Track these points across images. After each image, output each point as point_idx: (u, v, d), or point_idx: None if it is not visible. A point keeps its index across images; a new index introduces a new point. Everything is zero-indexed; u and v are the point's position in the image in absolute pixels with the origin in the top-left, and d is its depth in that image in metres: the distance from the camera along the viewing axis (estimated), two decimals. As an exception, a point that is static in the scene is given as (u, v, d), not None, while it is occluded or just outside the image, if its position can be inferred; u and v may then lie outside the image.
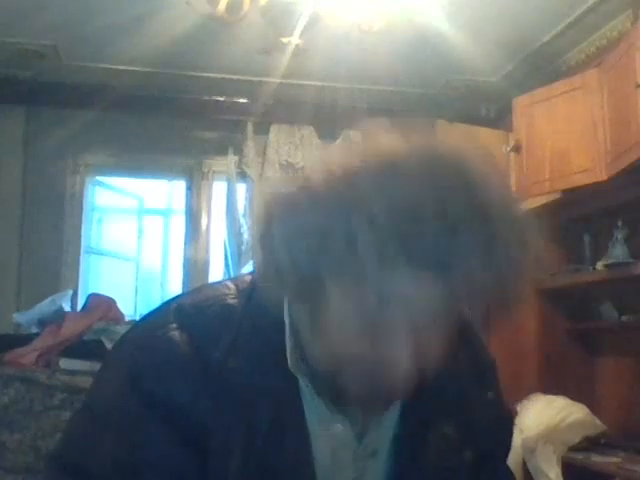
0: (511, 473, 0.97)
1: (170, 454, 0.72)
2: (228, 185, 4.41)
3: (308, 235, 0.67)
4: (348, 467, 0.80)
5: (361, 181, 0.66)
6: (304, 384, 0.77)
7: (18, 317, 2.49)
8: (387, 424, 0.81)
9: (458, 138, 0.73)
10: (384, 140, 0.70)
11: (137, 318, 2.86)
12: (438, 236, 0.62)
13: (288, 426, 0.75)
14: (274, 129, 4.44)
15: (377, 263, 0.64)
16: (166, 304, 0.82)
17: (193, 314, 0.78)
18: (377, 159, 0.68)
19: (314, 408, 0.78)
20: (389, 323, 0.67)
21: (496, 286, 0.67)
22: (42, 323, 2.26)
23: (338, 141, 4.33)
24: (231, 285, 0.82)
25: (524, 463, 3.04)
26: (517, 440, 3.02)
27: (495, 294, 0.69)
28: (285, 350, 0.76)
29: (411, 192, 0.64)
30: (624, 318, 3.24)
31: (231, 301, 0.79)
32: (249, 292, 0.80)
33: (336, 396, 0.76)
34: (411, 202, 0.63)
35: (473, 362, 0.87)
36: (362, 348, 0.69)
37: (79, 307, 2.95)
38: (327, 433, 0.78)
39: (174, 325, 0.76)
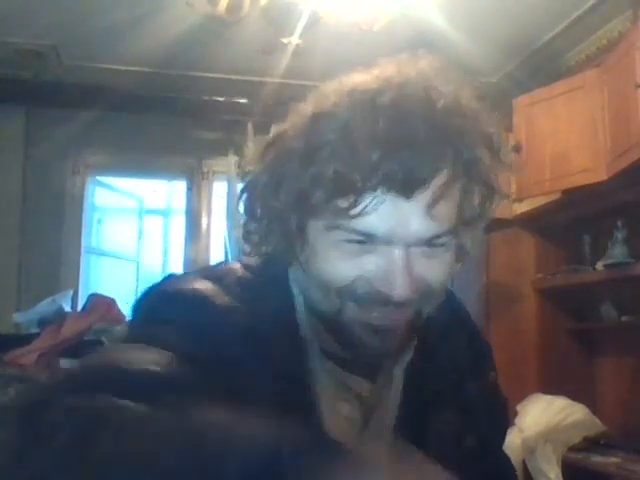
0: (508, 459, 0.97)
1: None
2: (228, 185, 4.41)
3: (282, 178, 0.72)
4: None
5: (323, 118, 0.70)
6: (316, 351, 0.77)
7: (18, 317, 2.49)
8: (392, 408, 0.81)
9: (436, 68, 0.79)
10: (357, 79, 0.74)
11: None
12: (402, 156, 0.65)
13: (298, 395, 0.73)
14: (274, 129, 4.44)
15: (342, 192, 0.67)
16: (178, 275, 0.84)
17: (213, 274, 0.79)
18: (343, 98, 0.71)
19: (324, 384, 0.78)
20: (374, 247, 0.69)
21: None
22: (42, 323, 2.27)
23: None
24: (234, 265, 0.83)
25: (524, 463, 3.04)
26: (517, 440, 3.02)
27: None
28: (295, 317, 0.77)
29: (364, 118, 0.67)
30: (624, 318, 3.24)
31: (240, 273, 0.80)
32: (256, 267, 0.81)
33: (348, 350, 0.75)
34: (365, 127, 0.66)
35: (471, 345, 0.87)
36: (356, 273, 0.70)
37: (79, 307, 2.95)
38: (333, 411, 0.78)
39: (201, 277, 0.78)
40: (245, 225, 0.79)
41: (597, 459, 2.99)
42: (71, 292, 2.77)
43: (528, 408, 3.19)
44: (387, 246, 0.69)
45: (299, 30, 2.84)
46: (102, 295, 2.54)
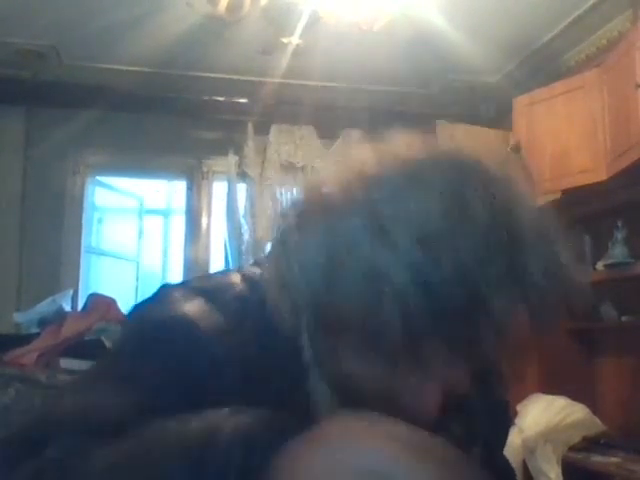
0: (507, 461, 0.97)
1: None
2: (228, 185, 4.41)
3: (321, 253, 0.59)
4: None
5: (380, 193, 0.59)
6: (318, 379, 0.69)
7: (18, 317, 2.49)
8: None
9: (468, 144, 0.66)
10: (401, 144, 0.63)
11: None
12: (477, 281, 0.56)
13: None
14: (274, 129, 4.44)
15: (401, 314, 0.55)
16: (170, 288, 0.74)
17: (211, 286, 0.72)
18: (397, 167, 0.60)
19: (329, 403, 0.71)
20: (414, 380, 0.62)
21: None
22: (42, 323, 2.26)
23: (338, 141, 4.34)
24: (237, 276, 0.74)
25: (524, 463, 3.04)
26: (517, 440, 3.02)
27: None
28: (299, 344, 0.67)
29: (438, 210, 0.56)
30: (624, 318, 3.24)
31: (239, 288, 0.71)
32: (257, 282, 0.71)
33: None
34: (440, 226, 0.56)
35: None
36: (387, 393, 0.63)
37: (79, 307, 2.95)
38: None
39: (196, 294, 0.69)
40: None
41: (597, 459, 2.99)
42: (71, 292, 2.77)
43: (528, 408, 3.19)
44: None
45: (299, 30, 2.85)
46: (102, 295, 2.53)
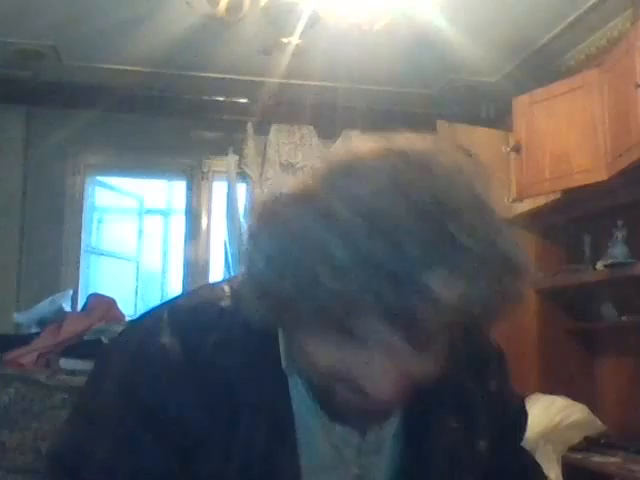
0: (527, 454, 0.97)
1: (161, 463, 0.73)
2: (228, 185, 4.41)
3: (284, 251, 0.65)
4: (351, 464, 0.80)
5: (324, 184, 0.65)
6: (299, 384, 0.77)
7: (18, 317, 2.49)
8: (390, 419, 0.81)
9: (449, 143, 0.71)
10: (359, 144, 0.69)
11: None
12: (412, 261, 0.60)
13: (277, 427, 0.74)
14: (274, 129, 4.44)
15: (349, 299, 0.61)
16: (160, 307, 0.81)
17: (186, 318, 0.77)
18: (343, 162, 0.67)
19: (312, 407, 0.77)
20: (366, 354, 0.66)
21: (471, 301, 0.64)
22: (42, 323, 2.26)
23: (338, 141, 4.33)
24: (226, 287, 0.81)
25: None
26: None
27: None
28: (278, 350, 0.75)
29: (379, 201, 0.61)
30: (624, 318, 3.24)
31: (224, 303, 0.78)
32: (242, 292, 0.79)
33: (328, 413, 0.74)
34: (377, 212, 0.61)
35: (473, 356, 0.86)
36: (344, 372, 0.68)
37: (79, 307, 2.95)
38: (327, 431, 0.78)
39: (166, 330, 0.75)
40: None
41: (597, 459, 2.99)
42: (71, 292, 2.77)
43: (528, 408, 3.18)
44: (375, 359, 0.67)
45: (299, 30, 2.84)
46: (102, 295, 2.53)
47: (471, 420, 0.83)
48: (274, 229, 0.67)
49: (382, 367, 0.66)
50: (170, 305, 0.81)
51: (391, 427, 0.81)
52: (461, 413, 0.82)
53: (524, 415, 0.96)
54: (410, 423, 0.81)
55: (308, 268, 0.62)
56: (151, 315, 0.81)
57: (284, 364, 0.75)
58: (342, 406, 0.71)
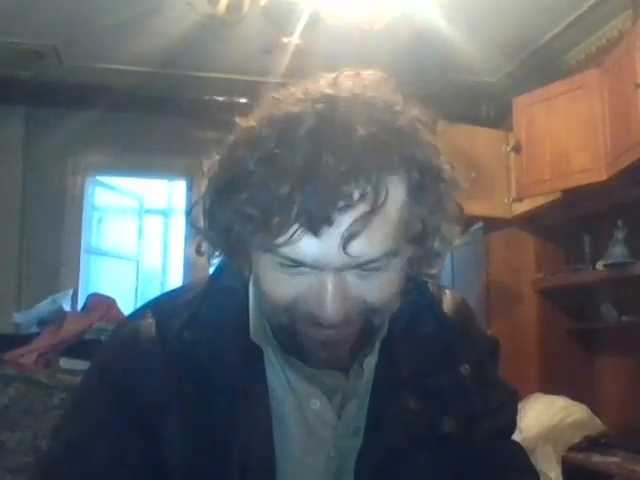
0: (510, 442, 0.96)
1: (134, 445, 0.75)
2: (228, 185, 4.41)
3: (224, 190, 0.73)
4: (327, 445, 0.80)
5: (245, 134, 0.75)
6: (272, 355, 0.79)
7: (18, 317, 2.49)
8: (363, 401, 0.82)
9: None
10: (284, 98, 0.77)
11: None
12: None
13: (251, 401, 0.76)
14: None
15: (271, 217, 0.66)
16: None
17: (164, 302, 0.83)
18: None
19: (286, 383, 0.79)
20: (315, 283, 0.70)
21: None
22: (42, 323, 2.27)
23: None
24: (208, 278, 0.86)
25: (524, 463, 3.04)
26: (517, 440, 3.02)
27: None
28: (249, 322, 0.79)
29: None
30: (624, 318, 3.24)
31: (200, 287, 0.84)
32: (216, 274, 0.84)
33: (302, 359, 0.76)
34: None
35: (441, 336, 0.87)
36: (294, 293, 0.71)
37: (79, 307, 2.95)
38: (304, 410, 0.79)
39: (148, 313, 0.81)
40: (195, 238, 0.82)
41: (597, 459, 2.99)
42: (71, 292, 2.77)
43: (528, 408, 3.19)
44: (318, 270, 0.69)
45: (299, 30, 2.84)
46: (102, 295, 2.54)
47: (434, 402, 0.83)
48: (219, 172, 0.76)
49: (329, 292, 0.68)
50: (156, 297, 0.86)
51: (364, 410, 0.82)
52: (422, 394, 0.82)
53: (509, 404, 0.95)
54: (374, 405, 0.82)
55: (238, 189, 0.69)
56: (140, 307, 0.86)
57: (252, 333, 0.78)
58: (309, 348, 0.73)
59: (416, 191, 0.70)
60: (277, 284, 0.71)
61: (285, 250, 0.67)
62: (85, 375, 0.83)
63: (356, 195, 0.65)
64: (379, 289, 0.71)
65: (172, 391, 0.75)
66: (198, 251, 0.81)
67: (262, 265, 0.72)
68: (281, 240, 0.66)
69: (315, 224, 0.65)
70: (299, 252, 0.67)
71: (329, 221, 0.65)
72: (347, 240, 0.66)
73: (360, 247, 0.66)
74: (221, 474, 0.75)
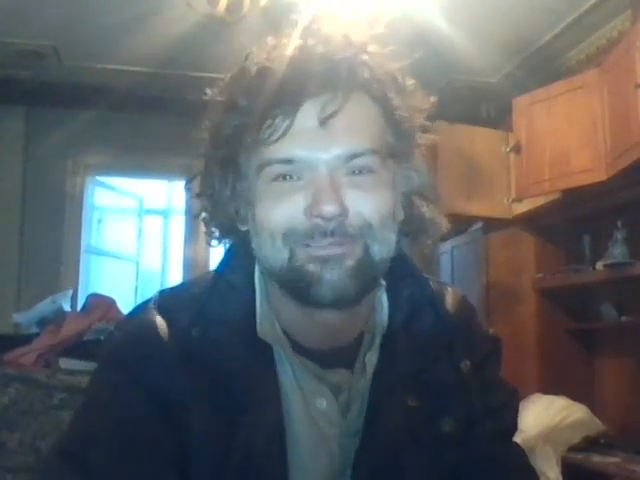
0: (509, 443, 0.96)
1: (156, 433, 0.74)
2: (228, 185, 4.41)
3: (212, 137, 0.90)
4: (332, 444, 0.80)
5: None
6: (281, 352, 0.79)
7: (18, 317, 2.49)
8: (364, 399, 0.82)
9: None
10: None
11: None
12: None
13: (259, 397, 0.76)
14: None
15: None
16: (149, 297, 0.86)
17: (170, 297, 0.83)
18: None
19: (294, 381, 0.79)
20: (302, 182, 0.75)
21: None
22: (42, 323, 2.27)
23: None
24: (212, 272, 0.86)
25: (524, 463, 3.04)
26: (517, 440, 3.01)
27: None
28: (254, 322, 0.79)
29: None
30: (624, 318, 3.24)
31: (205, 282, 0.83)
32: (221, 270, 0.84)
33: (308, 300, 0.76)
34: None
35: (441, 331, 0.86)
36: (293, 211, 0.74)
37: (79, 307, 2.95)
38: (310, 409, 0.79)
39: (153, 309, 0.81)
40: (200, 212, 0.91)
41: (597, 459, 2.99)
42: (71, 292, 2.77)
43: (528, 408, 3.19)
44: (311, 172, 0.73)
45: (299, 30, 2.84)
46: (102, 295, 2.53)
47: (433, 400, 0.83)
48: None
49: (324, 187, 0.73)
50: (159, 291, 0.86)
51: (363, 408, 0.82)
52: (422, 392, 0.82)
53: (510, 405, 0.94)
54: (376, 405, 0.81)
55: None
56: (143, 301, 0.86)
57: (260, 330, 0.78)
58: (312, 276, 0.74)
59: (383, 102, 0.78)
60: (275, 207, 0.74)
61: (275, 150, 0.73)
62: (97, 372, 0.82)
63: (329, 79, 0.73)
64: (374, 203, 0.74)
65: (189, 387, 0.75)
66: (197, 217, 0.90)
67: (259, 194, 0.76)
68: (272, 137, 0.73)
69: (294, 100, 0.72)
70: (289, 150, 0.73)
71: (308, 95, 0.72)
72: (327, 118, 0.72)
73: (342, 134, 0.73)
74: (233, 471, 0.74)
